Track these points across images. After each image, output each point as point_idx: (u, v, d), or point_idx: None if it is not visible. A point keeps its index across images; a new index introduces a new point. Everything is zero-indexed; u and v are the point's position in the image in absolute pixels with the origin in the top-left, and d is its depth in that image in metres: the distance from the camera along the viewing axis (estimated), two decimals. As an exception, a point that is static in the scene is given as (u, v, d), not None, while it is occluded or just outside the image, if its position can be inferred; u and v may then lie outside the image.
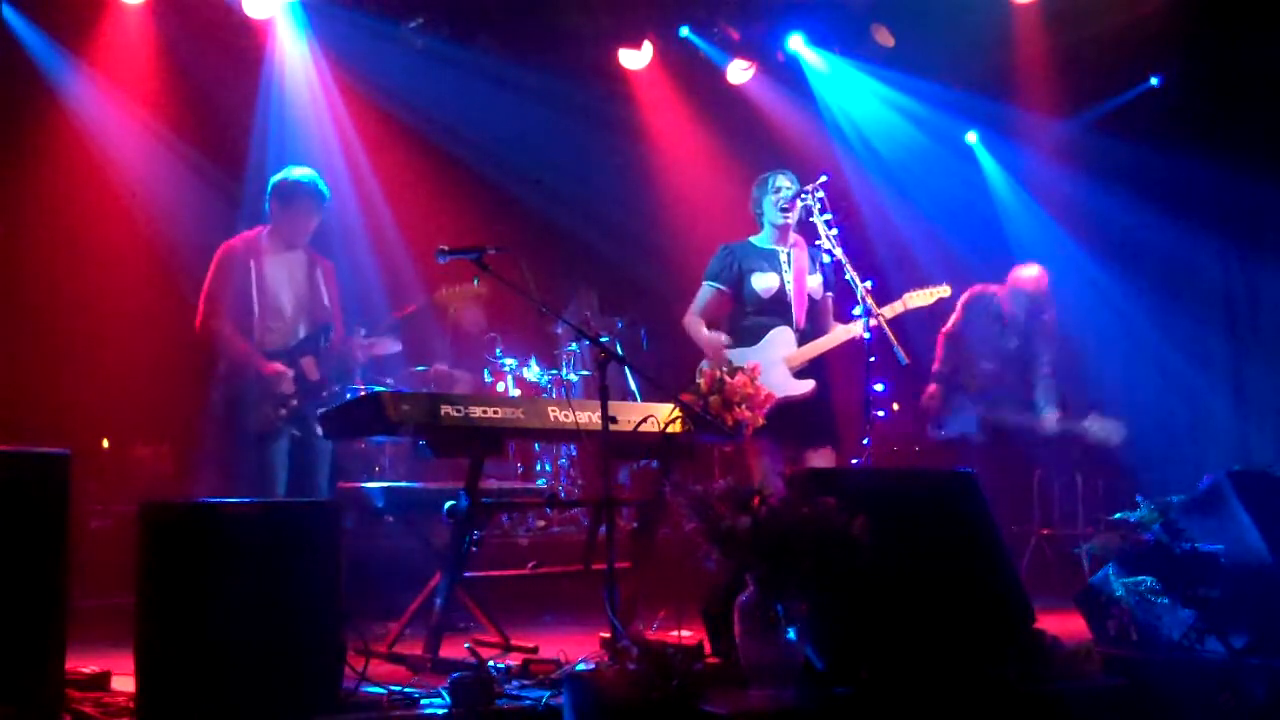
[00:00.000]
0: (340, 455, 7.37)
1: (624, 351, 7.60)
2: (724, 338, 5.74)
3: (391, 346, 7.00)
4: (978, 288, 7.47)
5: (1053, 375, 7.35)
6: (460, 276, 7.78)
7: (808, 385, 5.63)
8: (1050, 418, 7.26)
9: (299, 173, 5.99)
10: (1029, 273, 7.42)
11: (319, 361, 5.89)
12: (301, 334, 5.92)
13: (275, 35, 7.68)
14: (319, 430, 5.40)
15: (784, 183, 5.78)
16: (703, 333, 5.80)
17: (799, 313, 5.74)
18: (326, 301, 6.01)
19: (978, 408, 7.33)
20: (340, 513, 3.93)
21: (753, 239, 5.87)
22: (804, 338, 5.73)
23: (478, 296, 7.82)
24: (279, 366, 5.76)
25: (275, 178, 5.98)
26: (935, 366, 7.47)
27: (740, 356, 5.56)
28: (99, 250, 7.02)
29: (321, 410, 5.20)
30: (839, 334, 5.71)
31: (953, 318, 7.44)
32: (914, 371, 5.80)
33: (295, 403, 5.78)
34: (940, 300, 5.92)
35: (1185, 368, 8.38)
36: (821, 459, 5.62)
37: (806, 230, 5.79)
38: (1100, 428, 7.21)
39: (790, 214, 5.74)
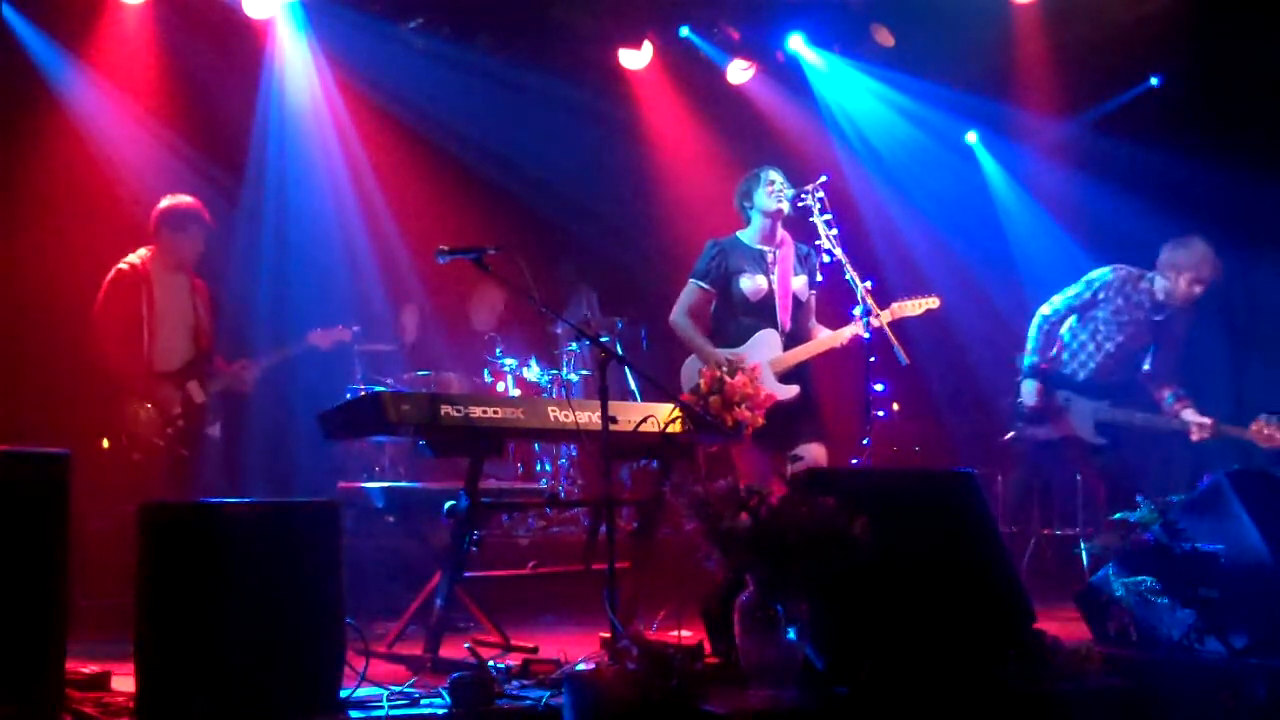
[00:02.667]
0: (340, 455, 7.39)
1: (624, 351, 7.60)
2: (722, 354, 5.58)
3: (338, 336, 6.95)
4: (1123, 269, 6.49)
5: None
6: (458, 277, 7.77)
7: (792, 390, 5.59)
8: (1203, 420, 6.29)
9: (188, 201, 6.30)
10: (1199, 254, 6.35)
11: (204, 384, 6.18)
12: (186, 358, 6.20)
13: (275, 35, 7.67)
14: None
15: (776, 176, 5.76)
16: (701, 340, 5.72)
17: (784, 315, 5.72)
18: (207, 325, 6.28)
19: (1091, 403, 6.43)
20: (340, 513, 3.92)
21: (740, 235, 5.83)
22: (789, 339, 5.71)
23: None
24: (164, 391, 6.05)
25: (164, 204, 6.27)
26: (1034, 359, 6.51)
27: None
28: (98, 250, 7.00)
29: (321, 411, 5.20)
30: (825, 340, 5.68)
31: (1076, 296, 6.49)
32: (914, 372, 5.78)
33: (182, 423, 6.07)
34: (929, 311, 5.86)
35: (1185, 368, 8.35)
36: (811, 456, 5.60)
37: (805, 229, 5.77)
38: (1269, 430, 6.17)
39: (784, 203, 5.69)
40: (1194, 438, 6.33)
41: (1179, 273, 6.35)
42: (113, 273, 6.17)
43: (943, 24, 8.05)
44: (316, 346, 6.74)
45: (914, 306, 5.80)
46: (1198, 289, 6.36)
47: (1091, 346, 6.49)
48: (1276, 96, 7.73)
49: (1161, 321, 6.45)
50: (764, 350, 5.66)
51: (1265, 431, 6.21)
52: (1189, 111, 8.30)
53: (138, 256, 6.21)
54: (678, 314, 5.80)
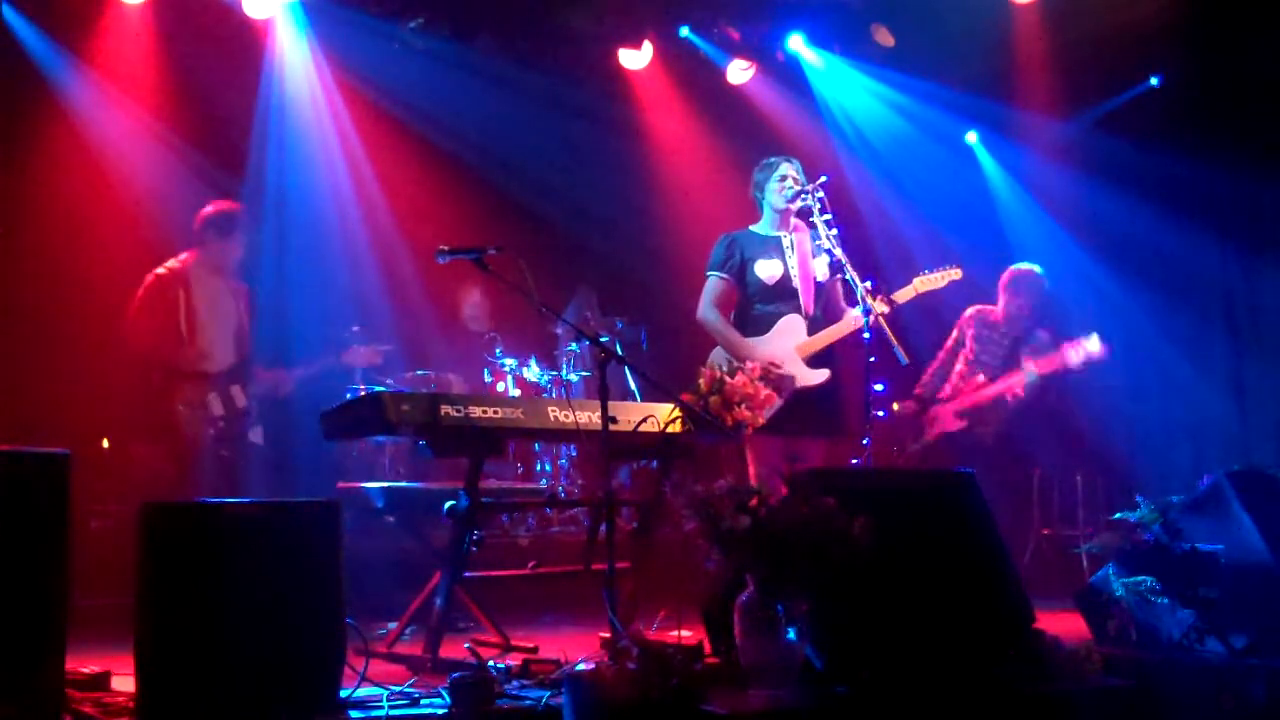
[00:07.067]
0: (340, 455, 7.38)
1: (624, 351, 7.59)
2: (751, 344, 5.61)
3: (372, 358, 7.20)
4: (978, 309, 7.44)
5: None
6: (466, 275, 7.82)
7: (823, 374, 5.56)
8: (1025, 370, 7.13)
9: (233, 206, 6.49)
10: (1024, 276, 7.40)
11: (246, 389, 6.29)
12: (230, 361, 6.30)
13: (275, 35, 7.67)
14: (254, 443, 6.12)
15: (789, 170, 5.75)
16: (732, 333, 5.67)
17: (807, 299, 5.68)
18: (247, 329, 6.39)
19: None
20: (340, 513, 3.92)
21: (752, 228, 5.83)
22: (814, 324, 5.66)
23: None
24: (205, 393, 6.15)
25: (209, 210, 6.43)
26: (919, 390, 7.45)
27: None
28: (99, 250, 7.00)
29: (322, 410, 5.20)
30: (850, 321, 5.59)
31: (954, 337, 7.49)
32: (914, 371, 5.79)
33: (223, 425, 6.17)
34: (952, 283, 5.89)
35: (1185, 368, 8.37)
36: (820, 451, 5.60)
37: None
38: (1078, 350, 7.02)
39: (794, 202, 5.69)
40: (1022, 384, 7.14)
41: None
42: (150, 277, 6.27)
43: (943, 24, 8.05)
44: (350, 364, 6.97)
45: (938, 279, 5.84)
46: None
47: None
48: (1276, 96, 7.73)
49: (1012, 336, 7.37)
50: (788, 336, 5.62)
51: (1071, 353, 7.03)
52: (1189, 111, 8.30)
53: (176, 260, 6.33)
54: (705, 309, 5.74)
